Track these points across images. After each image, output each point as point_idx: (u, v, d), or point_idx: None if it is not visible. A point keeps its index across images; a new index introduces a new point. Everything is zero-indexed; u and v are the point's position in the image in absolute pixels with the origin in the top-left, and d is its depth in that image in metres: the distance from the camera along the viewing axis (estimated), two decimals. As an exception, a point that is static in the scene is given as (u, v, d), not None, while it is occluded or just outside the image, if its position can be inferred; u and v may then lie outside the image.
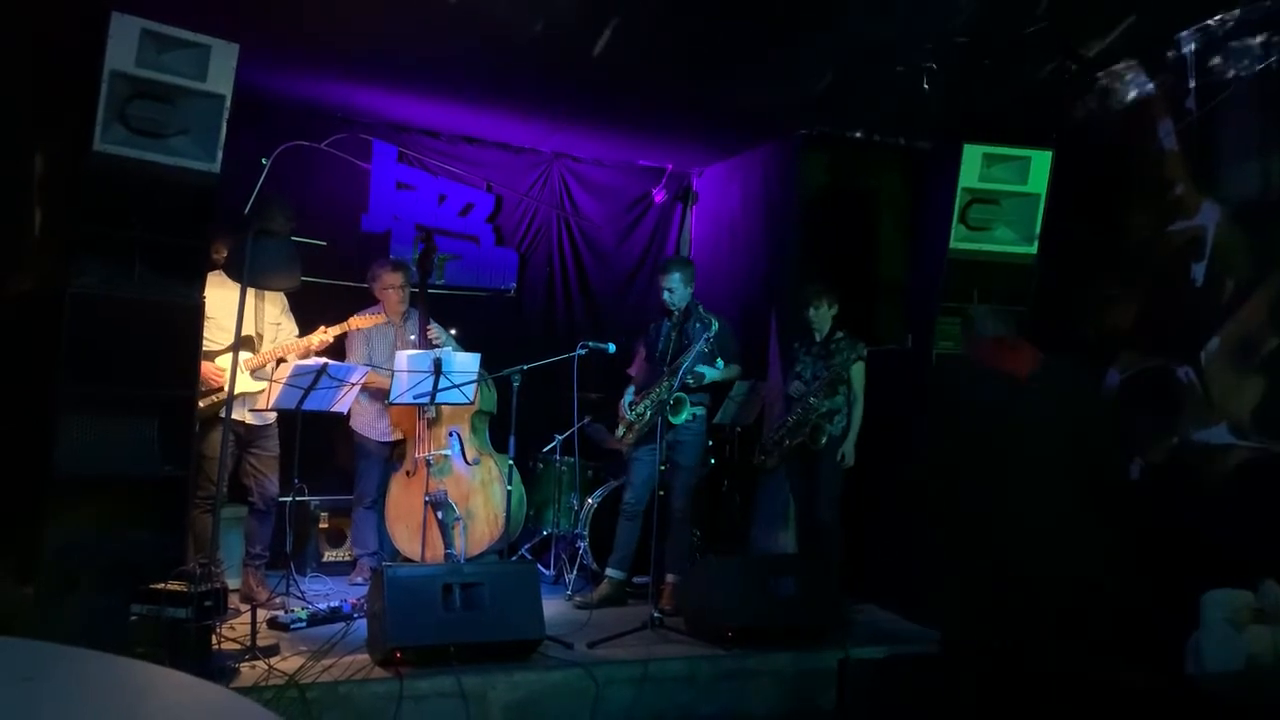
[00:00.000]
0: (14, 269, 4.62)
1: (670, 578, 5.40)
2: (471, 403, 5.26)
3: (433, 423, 5.47)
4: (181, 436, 4.38)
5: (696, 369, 5.28)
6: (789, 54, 5.32)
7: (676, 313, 5.49)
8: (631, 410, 5.50)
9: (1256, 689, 4.21)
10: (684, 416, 5.30)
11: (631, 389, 5.64)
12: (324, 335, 5.18)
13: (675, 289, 5.46)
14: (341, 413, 5.23)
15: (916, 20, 4.97)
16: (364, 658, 4.20)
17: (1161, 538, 4.93)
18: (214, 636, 3.99)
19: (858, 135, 6.45)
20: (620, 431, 5.59)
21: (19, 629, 3.76)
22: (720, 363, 5.43)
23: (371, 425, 5.69)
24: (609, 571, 5.56)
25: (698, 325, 5.39)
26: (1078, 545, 4.68)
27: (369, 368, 5.30)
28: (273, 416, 5.19)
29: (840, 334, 5.56)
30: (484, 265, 7.12)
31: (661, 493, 5.34)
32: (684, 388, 5.26)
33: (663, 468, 5.28)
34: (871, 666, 4.66)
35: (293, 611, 4.80)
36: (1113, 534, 4.80)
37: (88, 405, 4.15)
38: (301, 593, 5.27)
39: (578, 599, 5.52)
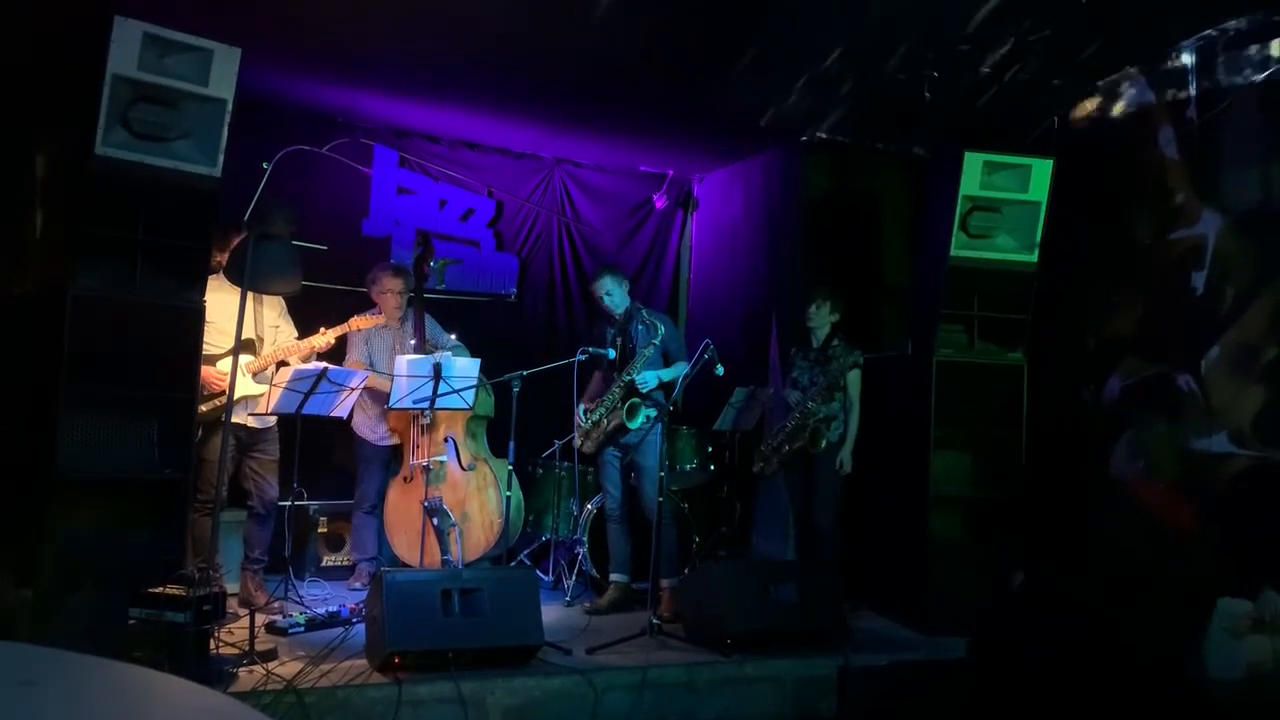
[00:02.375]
0: (16, 270, 4.62)
1: (665, 583, 5.38)
2: (470, 408, 5.26)
3: (428, 429, 5.47)
4: (181, 439, 4.38)
5: (649, 375, 5.30)
6: (791, 60, 5.33)
7: (618, 317, 5.51)
8: (587, 418, 5.49)
9: (1256, 698, 4.20)
10: (639, 420, 5.31)
11: (582, 405, 5.59)
12: (325, 337, 5.18)
13: (613, 293, 5.48)
14: (341, 417, 5.23)
15: (919, 27, 4.98)
16: (362, 663, 4.19)
17: (1175, 551, 4.94)
18: (212, 641, 3.98)
19: (859, 142, 6.45)
20: (578, 441, 5.58)
21: (18, 631, 3.77)
22: (690, 367, 5.35)
23: (372, 429, 5.69)
24: (613, 577, 5.56)
25: (641, 328, 5.40)
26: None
27: (369, 372, 5.30)
28: (273, 420, 5.19)
29: (836, 340, 5.56)
30: (485, 270, 7.12)
31: (660, 499, 5.33)
32: (637, 392, 5.27)
33: (662, 474, 5.27)
34: (872, 673, 4.65)
35: (291, 616, 4.79)
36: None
37: (88, 407, 4.15)
38: (300, 597, 5.26)
39: (587, 605, 5.51)
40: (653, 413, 5.44)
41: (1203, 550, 4.81)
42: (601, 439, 5.48)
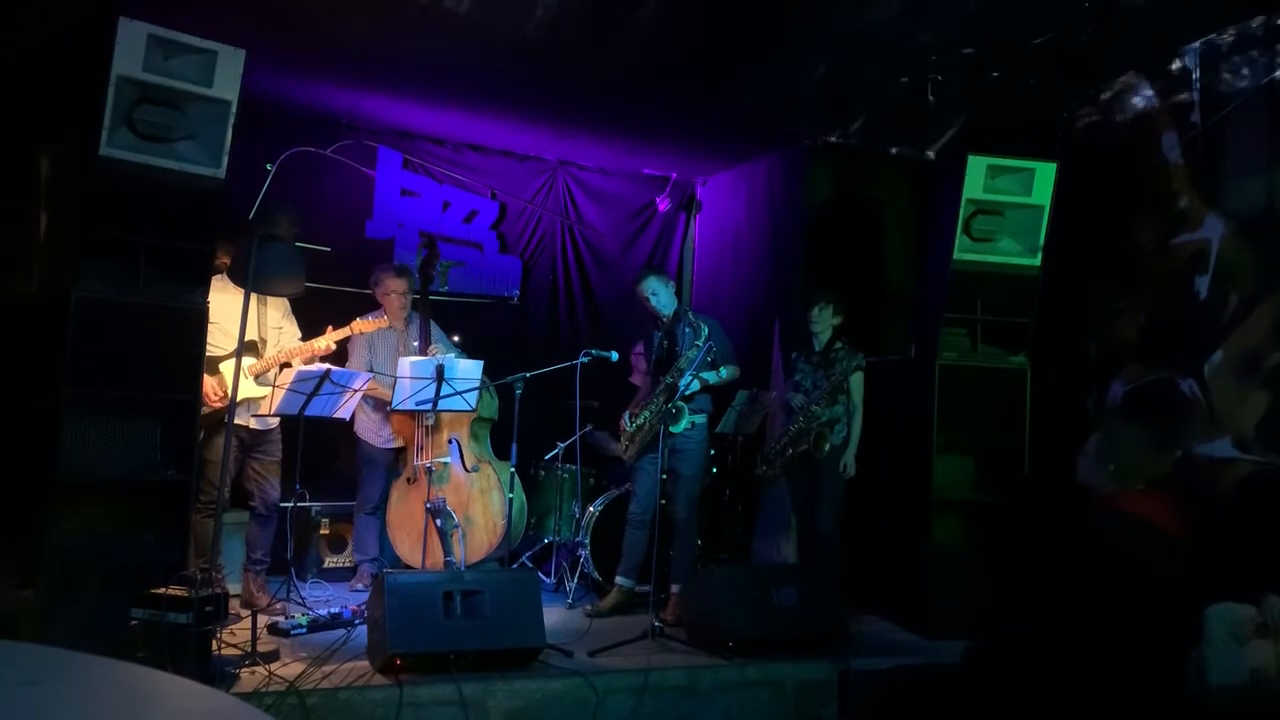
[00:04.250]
0: (20, 271, 4.63)
1: (675, 588, 5.38)
2: (473, 410, 5.26)
3: (432, 430, 5.47)
4: (184, 440, 4.39)
5: (690, 377, 5.25)
6: (793, 63, 5.33)
7: (665, 320, 5.47)
8: (631, 422, 5.48)
9: (1260, 704, 4.19)
10: (683, 425, 5.26)
11: (628, 412, 5.59)
12: (327, 339, 5.18)
13: (659, 293, 5.44)
14: (344, 419, 5.23)
15: (922, 31, 4.98)
16: (364, 664, 4.19)
17: (1167, 553, 4.93)
18: (214, 642, 3.98)
19: (863, 145, 6.46)
20: (622, 445, 5.57)
21: (21, 632, 3.77)
22: (724, 371, 5.40)
23: (375, 432, 5.69)
24: (618, 579, 5.54)
25: (687, 331, 5.35)
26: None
27: (370, 374, 5.30)
28: (275, 422, 5.19)
29: (839, 344, 5.56)
30: (488, 272, 7.13)
31: (663, 501, 5.33)
32: (681, 395, 5.24)
33: (664, 477, 5.27)
34: (873, 677, 4.65)
35: (293, 617, 4.79)
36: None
37: (91, 408, 4.16)
38: (302, 598, 5.27)
39: (588, 608, 5.50)
40: (699, 419, 5.41)
41: (1203, 556, 4.80)
42: (644, 443, 5.43)
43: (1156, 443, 5.25)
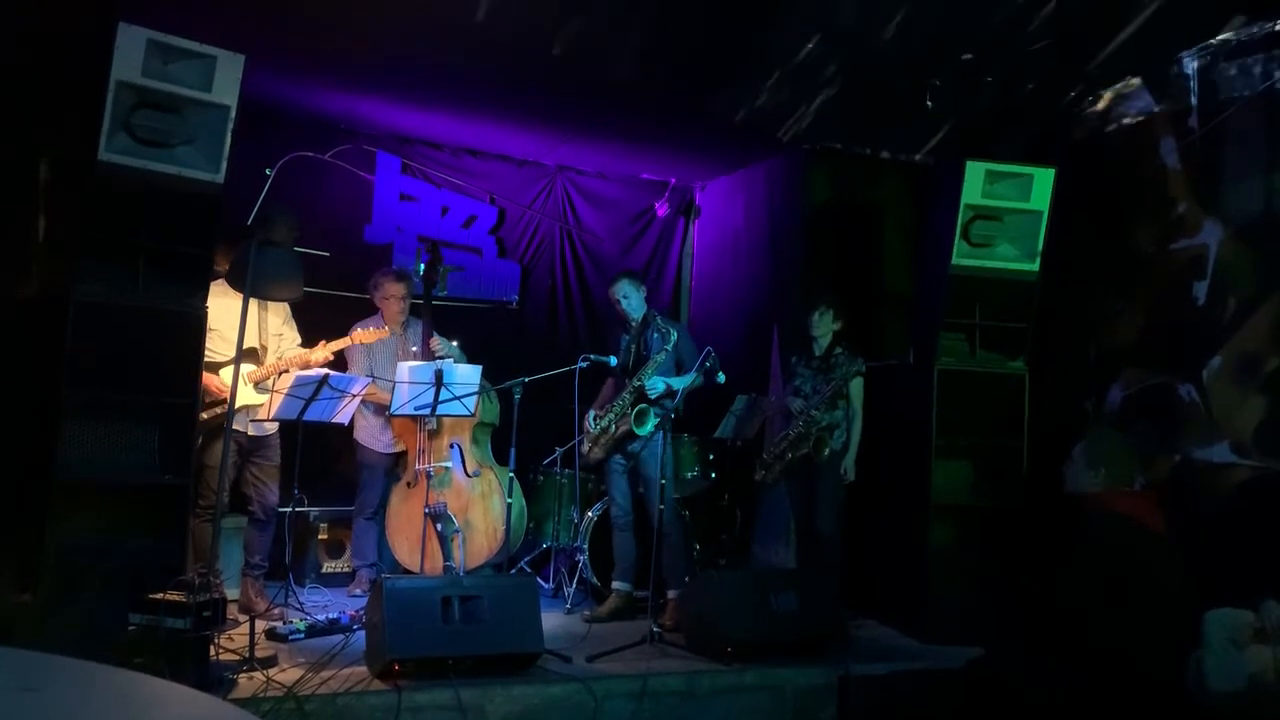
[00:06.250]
0: (19, 275, 4.63)
1: (671, 594, 5.37)
2: (472, 415, 5.25)
3: (433, 434, 5.46)
4: (182, 445, 4.39)
5: (658, 380, 5.25)
6: (793, 67, 5.33)
7: (634, 323, 5.49)
8: (595, 424, 5.48)
9: (1258, 709, 4.19)
10: (649, 427, 5.26)
11: (592, 411, 5.57)
12: (324, 351, 5.17)
13: (630, 296, 5.47)
14: (342, 424, 5.22)
15: (922, 38, 4.99)
16: (362, 670, 4.18)
17: (1163, 556, 4.93)
18: (212, 647, 3.97)
19: (862, 151, 6.46)
20: (585, 447, 5.56)
21: (18, 636, 3.76)
22: (689, 377, 5.33)
23: (376, 437, 5.69)
24: (615, 584, 5.54)
25: (656, 335, 5.38)
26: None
27: (370, 379, 5.29)
28: (274, 427, 5.19)
29: (839, 349, 5.56)
30: (486, 277, 7.13)
31: (661, 507, 5.32)
32: (646, 398, 5.25)
33: (663, 481, 5.26)
34: (872, 682, 4.65)
35: (291, 623, 4.78)
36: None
37: (90, 412, 4.17)
38: (300, 604, 5.26)
39: (587, 613, 5.49)
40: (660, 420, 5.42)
41: (1201, 560, 4.80)
42: (609, 446, 5.44)
43: (1155, 447, 5.26)
